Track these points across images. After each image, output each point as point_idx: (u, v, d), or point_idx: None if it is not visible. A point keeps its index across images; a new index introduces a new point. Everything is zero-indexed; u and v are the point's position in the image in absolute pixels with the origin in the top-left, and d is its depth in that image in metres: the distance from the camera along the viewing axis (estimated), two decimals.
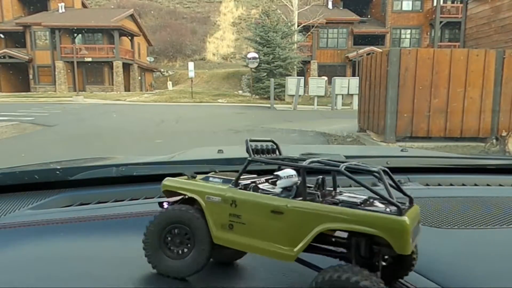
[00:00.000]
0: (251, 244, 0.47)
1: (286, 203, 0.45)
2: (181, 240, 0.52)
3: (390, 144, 7.28)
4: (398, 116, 7.31)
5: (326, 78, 19.25)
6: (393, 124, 7.34)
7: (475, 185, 0.93)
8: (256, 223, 0.47)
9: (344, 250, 0.47)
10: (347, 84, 17.35)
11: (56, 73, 29.18)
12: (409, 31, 30.03)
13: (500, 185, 0.93)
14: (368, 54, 20.90)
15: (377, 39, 29.92)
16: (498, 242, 0.62)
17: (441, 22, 27.03)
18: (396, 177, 0.96)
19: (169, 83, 32.12)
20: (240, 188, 0.49)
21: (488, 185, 0.93)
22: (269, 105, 18.12)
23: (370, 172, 0.45)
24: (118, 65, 29.27)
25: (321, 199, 0.45)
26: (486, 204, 0.76)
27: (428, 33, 29.64)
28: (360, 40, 29.79)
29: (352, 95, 16.92)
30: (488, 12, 11.54)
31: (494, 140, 7.33)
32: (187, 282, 0.52)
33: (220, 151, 1.24)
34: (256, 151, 0.55)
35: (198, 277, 0.53)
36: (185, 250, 0.52)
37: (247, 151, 0.52)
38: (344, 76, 24.96)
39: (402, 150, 1.28)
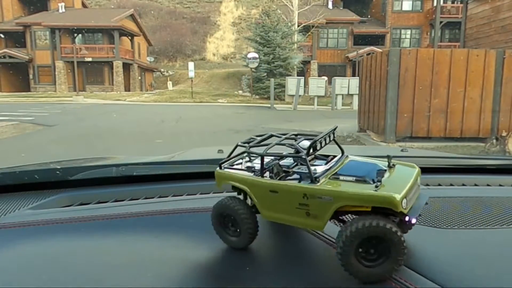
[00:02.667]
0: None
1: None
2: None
3: (390, 144, 7.28)
4: (398, 116, 7.31)
5: (326, 78, 19.25)
6: (393, 124, 7.34)
7: (475, 185, 0.93)
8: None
9: None
10: (347, 84, 17.35)
11: (56, 73, 29.20)
12: (409, 31, 30.04)
13: (500, 185, 0.93)
14: (368, 54, 20.91)
15: (377, 39, 29.93)
16: (498, 242, 0.62)
17: (441, 22, 27.03)
18: None
19: (169, 83, 32.13)
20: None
21: (488, 185, 0.93)
22: (269, 105, 18.12)
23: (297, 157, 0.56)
24: (118, 65, 29.28)
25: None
26: (486, 204, 0.76)
27: (428, 33, 29.65)
28: (360, 40, 29.80)
29: (352, 95, 16.92)
30: (488, 12, 11.54)
31: (494, 140, 7.33)
32: (190, 282, 0.52)
33: (220, 151, 1.24)
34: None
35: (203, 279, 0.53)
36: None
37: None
38: (344, 76, 24.96)
39: (402, 150, 1.28)
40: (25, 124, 11.12)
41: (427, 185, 0.93)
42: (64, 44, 29.05)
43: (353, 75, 25.17)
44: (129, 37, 32.22)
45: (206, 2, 45.23)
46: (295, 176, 0.57)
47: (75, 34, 29.74)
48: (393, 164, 0.57)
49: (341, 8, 31.40)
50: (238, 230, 0.59)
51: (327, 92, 18.31)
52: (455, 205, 0.75)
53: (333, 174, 0.55)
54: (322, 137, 0.58)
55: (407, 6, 29.70)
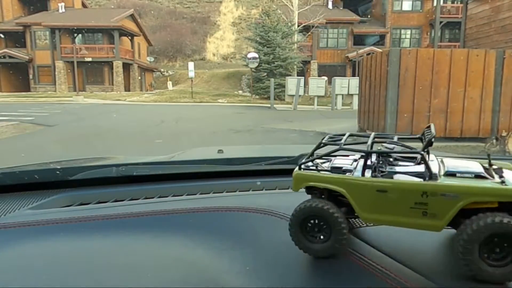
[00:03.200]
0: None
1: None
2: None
3: None
4: (398, 116, 7.31)
5: (326, 78, 19.26)
6: (393, 124, 7.34)
7: None
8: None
9: None
10: (347, 84, 17.36)
11: (56, 73, 29.20)
12: (409, 31, 30.03)
13: None
14: (368, 54, 20.90)
15: (378, 39, 29.93)
16: None
17: (441, 22, 27.03)
18: None
19: (169, 83, 32.13)
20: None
21: None
22: (269, 105, 18.12)
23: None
24: (118, 65, 29.28)
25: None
26: None
27: (428, 33, 29.65)
28: (360, 40, 29.81)
29: (352, 95, 16.92)
30: (488, 12, 11.54)
31: (494, 140, 7.32)
32: (189, 282, 0.52)
33: (220, 151, 1.24)
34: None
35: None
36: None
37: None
38: (344, 76, 24.97)
39: None
40: (25, 124, 11.12)
41: None
42: (64, 44, 29.04)
43: (353, 75, 25.17)
44: (129, 37, 32.22)
45: (206, 2, 45.23)
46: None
47: (75, 34, 29.73)
48: (491, 163, 0.56)
49: (341, 8, 31.40)
50: (326, 236, 0.55)
51: (327, 92, 18.32)
52: None
53: (446, 172, 0.52)
54: (433, 135, 0.56)
55: (407, 6, 29.70)
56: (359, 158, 0.60)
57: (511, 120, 7.31)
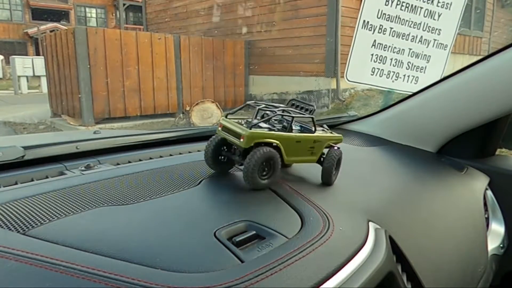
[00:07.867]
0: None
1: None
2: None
3: (90, 127, 7.05)
4: (93, 98, 7.13)
5: (2, 57, 16.21)
6: (89, 106, 7.11)
7: (160, 156, 1.02)
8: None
9: None
10: (31, 64, 15.28)
11: None
12: (94, 10, 29.36)
13: (180, 153, 1.06)
14: (52, 31, 19.01)
15: (60, 16, 27.62)
16: (174, 206, 0.69)
17: (124, 4, 27.86)
18: (86, 161, 0.92)
19: None
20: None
21: (170, 155, 1.04)
22: None
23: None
24: None
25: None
26: (169, 173, 0.84)
27: (114, 14, 30.01)
28: (41, 14, 26.62)
29: (39, 76, 15.07)
30: (163, 0, 12.81)
31: (182, 114, 8.43)
32: None
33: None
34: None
35: None
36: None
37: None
38: (26, 55, 21.80)
39: (94, 133, 1.24)
40: None
41: (118, 164, 0.94)
42: None
43: (37, 53, 22.34)
44: None
45: None
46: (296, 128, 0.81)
47: None
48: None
49: None
50: (271, 173, 0.74)
51: (5, 74, 15.49)
52: (142, 178, 0.79)
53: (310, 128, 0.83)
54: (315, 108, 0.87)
55: None
56: (276, 120, 0.80)
57: (191, 96, 8.59)
